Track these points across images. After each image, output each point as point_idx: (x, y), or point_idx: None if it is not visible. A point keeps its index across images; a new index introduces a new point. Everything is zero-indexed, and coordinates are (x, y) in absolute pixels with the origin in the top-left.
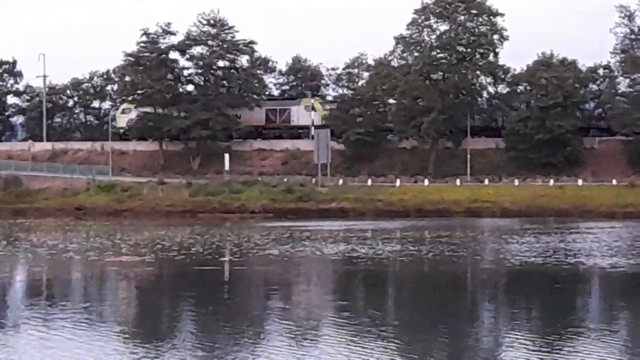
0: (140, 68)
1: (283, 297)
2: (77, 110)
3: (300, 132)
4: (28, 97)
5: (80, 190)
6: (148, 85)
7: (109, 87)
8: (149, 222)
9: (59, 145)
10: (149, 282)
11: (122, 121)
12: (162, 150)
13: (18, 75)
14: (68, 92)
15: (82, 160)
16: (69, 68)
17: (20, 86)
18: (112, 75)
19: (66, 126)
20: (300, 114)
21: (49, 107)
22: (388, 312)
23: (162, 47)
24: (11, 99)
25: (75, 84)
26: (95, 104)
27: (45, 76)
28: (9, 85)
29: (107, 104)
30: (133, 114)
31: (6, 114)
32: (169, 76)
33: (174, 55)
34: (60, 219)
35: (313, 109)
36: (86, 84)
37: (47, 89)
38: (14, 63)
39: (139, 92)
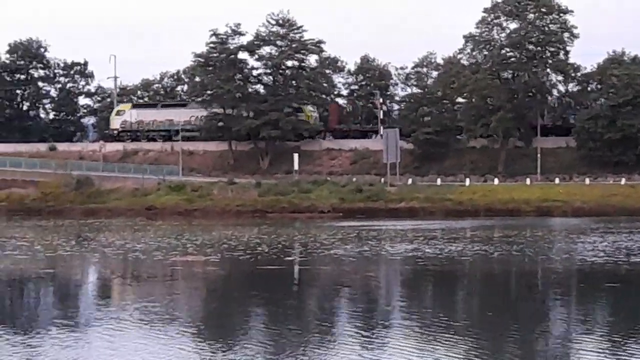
0: (210, 68)
1: (345, 297)
2: None
3: None
4: (99, 98)
5: (150, 191)
6: (217, 85)
7: (179, 88)
8: (218, 222)
9: (130, 146)
10: (212, 281)
11: (117, 123)
12: (232, 150)
13: (89, 76)
14: (139, 92)
15: (152, 160)
16: (140, 69)
17: (92, 87)
18: (182, 76)
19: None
20: None
21: None
22: (452, 311)
23: (231, 47)
24: (83, 100)
25: (146, 85)
26: None
27: (116, 77)
28: (80, 86)
29: None
30: (127, 116)
31: (78, 114)
32: (238, 76)
33: (243, 55)
34: (131, 219)
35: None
36: (156, 85)
37: (118, 90)
38: (86, 64)
39: (209, 92)
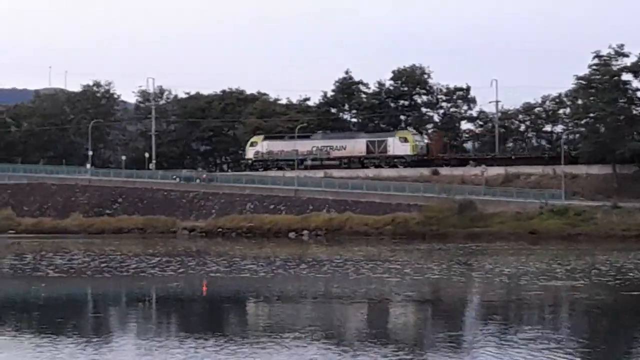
0: (592, 91)
1: None
2: (529, 135)
3: (395, 161)
4: (481, 123)
5: (533, 215)
6: (600, 107)
7: (560, 111)
8: (598, 247)
9: (511, 170)
10: (571, 305)
11: (250, 153)
12: (615, 173)
13: (472, 101)
14: (520, 116)
15: (534, 184)
16: (521, 93)
17: (474, 112)
18: (564, 99)
19: (518, 150)
20: (395, 145)
21: (501, 132)
22: None
23: (615, 69)
24: (465, 125)
25: (527, 109)
26: (547, 127)
27: (497, 102)
28: (462, 111)
29: (559, 128)
30: (259, 147)
31: (460, 139)
32: (622, 98)
33: (627, 77)
34: (512, 243)
35: (406, 140)
36: (538, 109)
37: (499, 114)
38: (468, 89)
39: (591, 115)
